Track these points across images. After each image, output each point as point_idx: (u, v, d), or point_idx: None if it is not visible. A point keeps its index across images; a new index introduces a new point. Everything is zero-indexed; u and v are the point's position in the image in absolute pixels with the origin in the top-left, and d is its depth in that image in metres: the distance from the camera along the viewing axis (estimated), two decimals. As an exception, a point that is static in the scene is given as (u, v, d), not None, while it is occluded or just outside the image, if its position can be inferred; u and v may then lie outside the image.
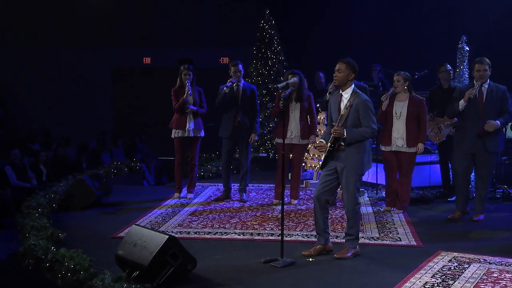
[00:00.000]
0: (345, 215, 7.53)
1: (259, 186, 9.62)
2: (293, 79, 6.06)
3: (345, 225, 7.02)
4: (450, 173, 8.83)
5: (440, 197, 8.83)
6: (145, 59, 17.02)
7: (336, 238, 6.54)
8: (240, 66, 8.37)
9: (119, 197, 8.83)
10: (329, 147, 5.79)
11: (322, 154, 5.99)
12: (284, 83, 6.09)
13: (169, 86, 16.53)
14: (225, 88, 8.22)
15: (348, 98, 5.80)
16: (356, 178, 5.83)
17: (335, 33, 13.40)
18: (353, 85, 5.85)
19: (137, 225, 5.54)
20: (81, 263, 4.89)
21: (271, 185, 9.63)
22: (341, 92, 5.87)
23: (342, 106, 5.83)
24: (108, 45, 16.48)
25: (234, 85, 8.29)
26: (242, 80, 8.44)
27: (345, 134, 5.68)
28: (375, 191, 9.05)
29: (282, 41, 12.06)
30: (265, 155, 11.75)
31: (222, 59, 16.56)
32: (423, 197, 8.70)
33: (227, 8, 15.96)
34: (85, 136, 15.20)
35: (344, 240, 6.06)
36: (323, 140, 5.94)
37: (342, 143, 5.74)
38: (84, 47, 16.40)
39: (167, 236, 5.05)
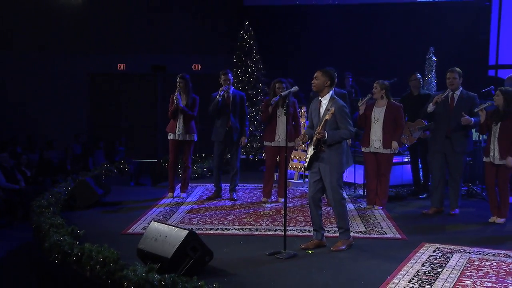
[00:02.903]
0: (330, 212, 7.96)
1: (244, 186, 9.88)
2: (294, 88, 6.41)
3: (333, 220, 7.45)
4: (420, 172, 9.33)
5: (412, 194, 9.25)
6: (119, 65, 17.06)
7: (328, 232, 6.90)
8: (230, 74, 8.67)
9: (116, 197, 8.98)
10: (313, 149, 6.16)
11: (306, 156, 6.37)
12: (287, 91, 6.45)
13: (144, 92, 16.81)
14: (217, 96, 8.50)
15: (327, 104, 6.17)
16: (337, 176, 6.16)
17: (310, 44, 13.79)
18: (331, 92, 6.22)
19: (156, 221, 5.77)
20: (110, 256, 5.09)
21: (256, 185, 9.97)
22: (320, 98, 6.24)
23: (322, 111, 6.20)
24: (84, 51, 16.49)
25: (225, 92, 8.58)
26: (232, 87, 8.73)
27: (326, 136, 6.05)
28: (353, 190, 9.47)
29: (261, 50, 12.37)
30: (245, 157, 12.03)
31: (195, 65, 16.75)
32: (397, 194, 9.15)
33: (199, 17, 16.17)
34: (63, 139, 15.19)
35: (335, 234, 6.43)
36: (306, 135, 6.32)
37: (323, 145, 6.12)
38: (60, 53, 16.36)
39: (187, 231, 5.32)
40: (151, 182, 11.72)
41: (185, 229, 5.42)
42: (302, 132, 9.45)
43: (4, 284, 7.47)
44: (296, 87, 6.33)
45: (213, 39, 15.89)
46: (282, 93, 6.34)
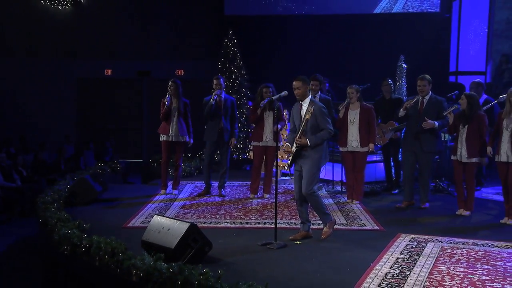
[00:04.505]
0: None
1: (231, 183, 9.96)
2: (284, 92, 6.56)
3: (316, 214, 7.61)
4: (392, 170, 9.57)
5: (385, 190, 9.46)
6: (106, 70, 17.03)
7: (312, 225, 7.06)
8: (222, 80, 8.84)
9: (112, 194, 9.04)
10: (295, 147, 6.34)
11: (289, 155, 6.53)
12: (278, 95, 6.62)
13: (129, 96, 16.81)
14: (211, 100, 8.63)
15: (307, 106, 6.35)
16: (314, 171, 6.33)
17: (289, 51, 13.94)
18: (310, 96, 6.42)
19: (158, 215, 5.89)
20: (118, 247, 5.19)
21: (241, 182, 10.11)
22: (301, 102, 6.42)
23: (302, 113, 6.38)
24: (73, 57, 16.46)
25: (218, 96, 8.72)
26: (223, 92, 8.86)
27: (308, 143, 6.22)
28: (331, 186, 9.68)
29: (243, 57, 12.52)
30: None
31: (178, 71, 16.82)
32: (372, 190, 9.37)
33: (182, 25, 16.25)
34: (53, 141, 15.15)
35: (319, 226, 6.64)
36: (289, 144, 6.51)
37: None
38: (50, 59, 16.31)
39: (189, 223, 5.46)
40: (140, 180, 11.76)
41: (186, 221, 5.55)
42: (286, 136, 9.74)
43: (8, 275, 7.51)
44: (286, 92, 6.48)
45: (195, 46, 16.02)
46: (274, 97, 6.51)
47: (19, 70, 16.19)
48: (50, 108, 16.32)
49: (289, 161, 6.51)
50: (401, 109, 8.11)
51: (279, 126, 8.52)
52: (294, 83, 6.34)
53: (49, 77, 16.36)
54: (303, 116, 6.34)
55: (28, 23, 16.19)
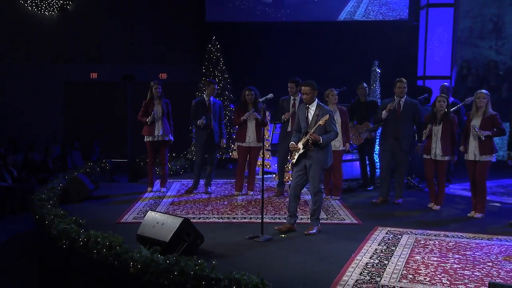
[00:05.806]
0: (301, 203, 8.20)
1: (216, 181, 9.95)
2: (270, 94, 6.66)
3: (302, 209, 7.75)
4: (367, 168, 9.73)
5: (361, 187, 9.62)
6: (92, 74, 16.94)
7: (300, 219, 7.17)
8: (216, 85, 8.96)
9: (103, 191, 9.03)
10: (302, 148, 6.44)
11: (294, 153, 6.61)
12: (264, 98, 6.71)
13: (114, 98, 16.75)
14: (201, 121, 8.65)
15: (314, 110, 6.48)
16: (321, 172, 6.49)
17: (269, 56, 14.02)
18: (316, 99, 6.54)
19: (152, 210, 5.95)
20: (115, 241, 5.22)
21: (226, 180, 10.18)
22: (308, 106, 6.53)
23: (310, 116, 6.48)
24: (60, 61, 16.35)
25: (206, 99, 8.79)
26: (212, 96, 8.91)
27: (321, 140, 6.34)
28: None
29: (226, 61, 12.61)
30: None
31: (161, 74, 16.80)
32: (349, 187, 9.52)
33: (165, 31, 16.26)
34: (41, 141, 15.03)
35: (309, 220, 6.75)
36: (293, 143, 6.59)
37: (312, 146, 6.39)
38: (38, 63, 16.18)
39: (182, 218, 5.53)
40: (128, 179, 11.74)
41: (179, 216, 5.62)
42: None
43: (4, 271, 7.47)
44: (271, 94, 6.58)
45: (179, 51, 16.05)
46: (260, 99, 6.61)
47: (8, 73, 16.03)
48: (39, 110, 16.19)
49: (293, 160, 6.56)
50: (384, 111, 8.24)
51: (262, 129, 8.64)
52: (303, 88, 6.44)
53: (37, 80, 16.22)
54: (310, 119, 6.43)
55: (16, 29, 16.05)
